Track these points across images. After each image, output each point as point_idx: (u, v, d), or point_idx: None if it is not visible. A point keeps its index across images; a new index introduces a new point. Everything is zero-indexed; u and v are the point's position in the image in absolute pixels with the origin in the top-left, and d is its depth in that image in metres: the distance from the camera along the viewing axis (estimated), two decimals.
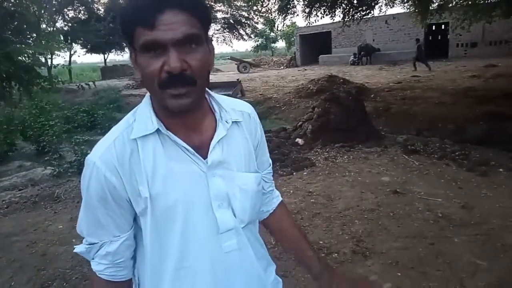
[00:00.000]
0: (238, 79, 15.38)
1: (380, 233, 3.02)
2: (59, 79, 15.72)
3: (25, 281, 2.73)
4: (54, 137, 7.15)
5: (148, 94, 0.84)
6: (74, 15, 25.51)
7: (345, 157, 5.06)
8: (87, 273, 2.64)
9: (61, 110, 10.52)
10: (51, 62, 22.02)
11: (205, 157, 0.82)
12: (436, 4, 11.92)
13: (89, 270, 0.86)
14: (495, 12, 10.81)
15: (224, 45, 26.69)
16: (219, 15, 19.53)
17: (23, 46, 14.44)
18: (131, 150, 0.79)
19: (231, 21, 21.89)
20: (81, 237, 0.86)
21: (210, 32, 0.81)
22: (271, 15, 13.70)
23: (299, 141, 5.87)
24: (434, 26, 23.26)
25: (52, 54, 21.50)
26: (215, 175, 0.83)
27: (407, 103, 8.98)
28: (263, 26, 29.23)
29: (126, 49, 28.88)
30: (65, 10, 24.12)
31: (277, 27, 16.05)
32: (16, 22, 14.23)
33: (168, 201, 0.79)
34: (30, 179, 5.39)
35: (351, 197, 3.74)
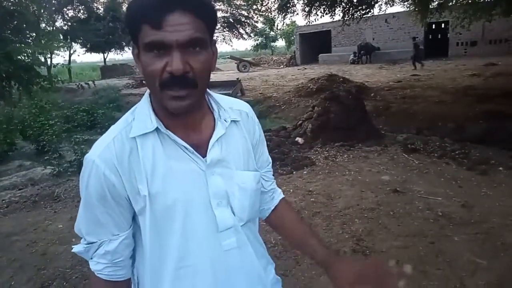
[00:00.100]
0: (238, 78, 15.37)
1: (380, 232, 3.02)
2: (59, 79, 15.74)
3: (25, 280, 2.73)
4: (54, 137, 7.16)
5: (147, 93, 0.84)
6: (74, 14, 25.53)
7: (345, 156, 5.06)
8: (87, 273, 2.64)
9: (60, 110, 10.52)
10: (51, 61, 22.04)
11: (204, 155, 0.82)
12: (436, 2, 11.91)
13: (89, 269, 0.86)
14: (495, 10, 10.80)
15: (224, 44, 26.69)
16: (219, 14, 19.56)
17: (23, 45, 14.45)
18: (130, 148, 0.79)
19: (230, 20, 21.91)
20: (80, 237, 0.85)
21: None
22: (271, 14, 13.73)
23: (299, 140, 5.87)
24: (434, 25, 23.22)
25: (51, 53, 21.49)
26: (214, 173, 0.83)
27: (407, 102, 8.98)
28: (263, 25, 29.30)
29: (126, 49, 28.93)
30: (65, 9, 24.12)
31: (277, 26, 16.05)
32: (15, 22, 14.23)
33: (168, 200, 0.79)
34: (30, 178, 5.39)
35: (351, 196, 3.74)
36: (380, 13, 14.28)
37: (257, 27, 26.28)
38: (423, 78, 12.98)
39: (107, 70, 29.57)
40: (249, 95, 13.19)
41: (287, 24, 17.17)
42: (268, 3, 12.83)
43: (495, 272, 2.41)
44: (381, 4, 12.80)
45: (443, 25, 22.91)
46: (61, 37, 22.52)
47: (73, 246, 0.87)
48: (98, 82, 22.00)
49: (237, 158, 0.88)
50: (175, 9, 0.69)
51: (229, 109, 0.89)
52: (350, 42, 26.47)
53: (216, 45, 0.83)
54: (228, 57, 31.60)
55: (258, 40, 42.93)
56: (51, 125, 7.57)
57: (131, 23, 0.73)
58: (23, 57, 13.97)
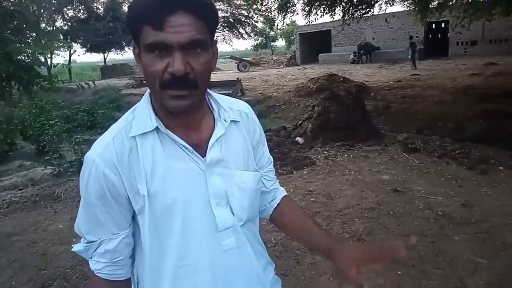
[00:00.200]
0: (238, 78, 15.37)
1: (380, 232, 3.02)
2: (59, 79, 15.75)
3: (26, 280, 2.73)
4: (54, 137, 7.17)
5: (147, 92, 0.84)
6: (74, 14, 25.53)
7: (345, 155, 5.06)
8: (88, 273, 2.63)
9: (61, 110, 10.53)
10: (51, 61, 22.03)
11: (203, 155, 0.82)
12: (436, 2, 11.91)
13: (89, 269, 0.87)
14: (495, 10, 10.80)
15: (224, 44, 26.70)
16: (219, 13, 19.55)
17: (23, 45, 14.46)
18: (130, 147, 0.79)
19: (230, 20, 21.90)
20: (80, 236, 0.85)
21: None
22: (271, 13, 13.71)
23: (299, 140, 5.87)
24: (434, 25, 23.21)
25: (51, 53, 21.48)
26: (214, 173, 0.83)
27: (407, 102, 8.99)
28: (263, 25, 29.27)
29: (126, 49, 28.94)
30: (65, 9, 24.13)
31: (277, 25, 16.02)
32: (15, 22, 14.24)
33: (167, 199, 0.79)
34: (30, 178, 5.40)
35: (351, 195, 3.74)
36: (380, 13, 14.28)
37: (257, 27, 26.27)
38: (423, 78, 12.99)
39: (107, 70, 29.57)
40: (249, 95, 13.19)
41: (287, 24, 17.15)
42: (268, 2, 12.84)
43: (495, 272, 2.41)
44: (381, 4, 12.82)
45: (443, 25, 22.91)
46: (61, 37, 22.52)
47: (73, 246, 0.87)
48: (98, 82, 22.00)
49: (237, 158, 0.88)
50: (176, 10, 0.69)
51: (229, 109, 0.90)
52: (350, 42, 26.47)
53: (217, 45, 0.84)
54: (228, 57, 31.62)
55: (258, 40, 42.91)
56: (51, 125, 7.58)
57: (133, 24, 0.73)
58: (23, 57, 13.97)
